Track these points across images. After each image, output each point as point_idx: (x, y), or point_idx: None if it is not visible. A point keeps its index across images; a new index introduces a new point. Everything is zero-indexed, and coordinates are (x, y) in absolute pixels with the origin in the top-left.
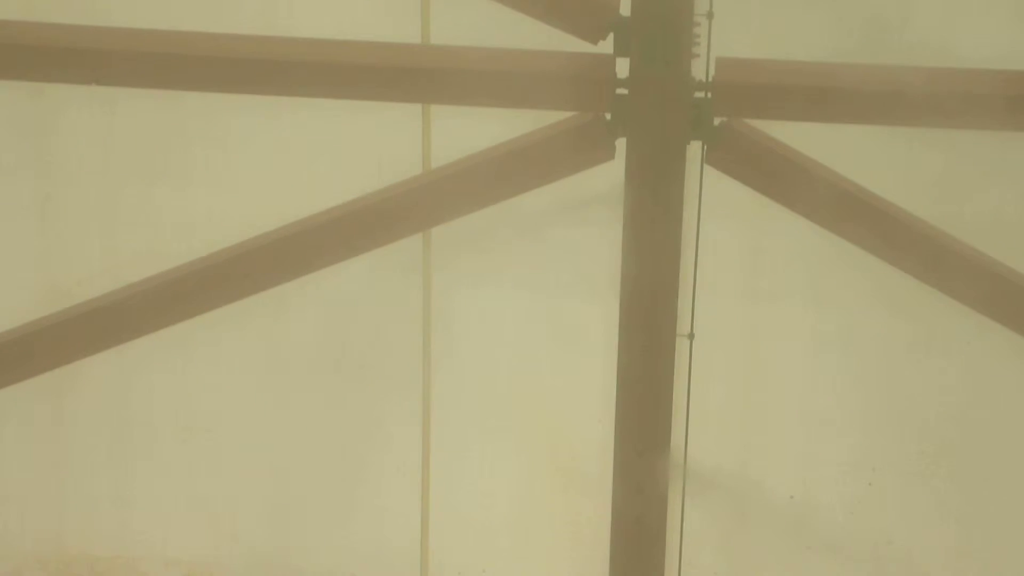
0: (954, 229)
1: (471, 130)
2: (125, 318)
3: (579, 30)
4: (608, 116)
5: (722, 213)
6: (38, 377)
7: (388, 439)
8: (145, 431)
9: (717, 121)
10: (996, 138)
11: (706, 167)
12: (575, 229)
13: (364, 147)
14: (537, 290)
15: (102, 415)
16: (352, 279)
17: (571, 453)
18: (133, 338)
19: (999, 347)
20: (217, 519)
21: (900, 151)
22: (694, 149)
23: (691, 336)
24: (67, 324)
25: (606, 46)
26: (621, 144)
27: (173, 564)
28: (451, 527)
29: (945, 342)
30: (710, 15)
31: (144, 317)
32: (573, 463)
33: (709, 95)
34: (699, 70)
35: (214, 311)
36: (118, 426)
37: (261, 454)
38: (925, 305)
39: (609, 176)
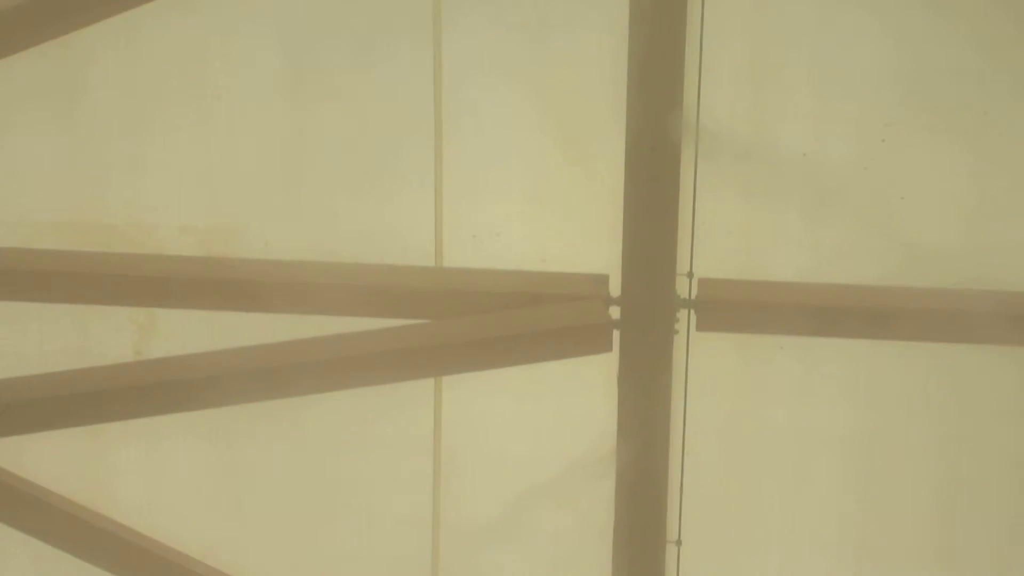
0: None
1: None
2: None
3: None
4: None
5: None
6: (49, 43)
7: (401, 104)
8: (159, 99)
9: None
10: None
11: None
12: None
13: None
14: None
15: (115, 82)
16: None
17: (583, 117)
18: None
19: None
20: (231, 188)
21: None
22: None
23: None
24: None
25: None
26: None
27: (188, 231)
28: (465, 192)
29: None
30: None
31: None
32: (585, 127)
33: None
34: None
35: None
36: (131, 94)
37: (276, 124)
38: None
39: None
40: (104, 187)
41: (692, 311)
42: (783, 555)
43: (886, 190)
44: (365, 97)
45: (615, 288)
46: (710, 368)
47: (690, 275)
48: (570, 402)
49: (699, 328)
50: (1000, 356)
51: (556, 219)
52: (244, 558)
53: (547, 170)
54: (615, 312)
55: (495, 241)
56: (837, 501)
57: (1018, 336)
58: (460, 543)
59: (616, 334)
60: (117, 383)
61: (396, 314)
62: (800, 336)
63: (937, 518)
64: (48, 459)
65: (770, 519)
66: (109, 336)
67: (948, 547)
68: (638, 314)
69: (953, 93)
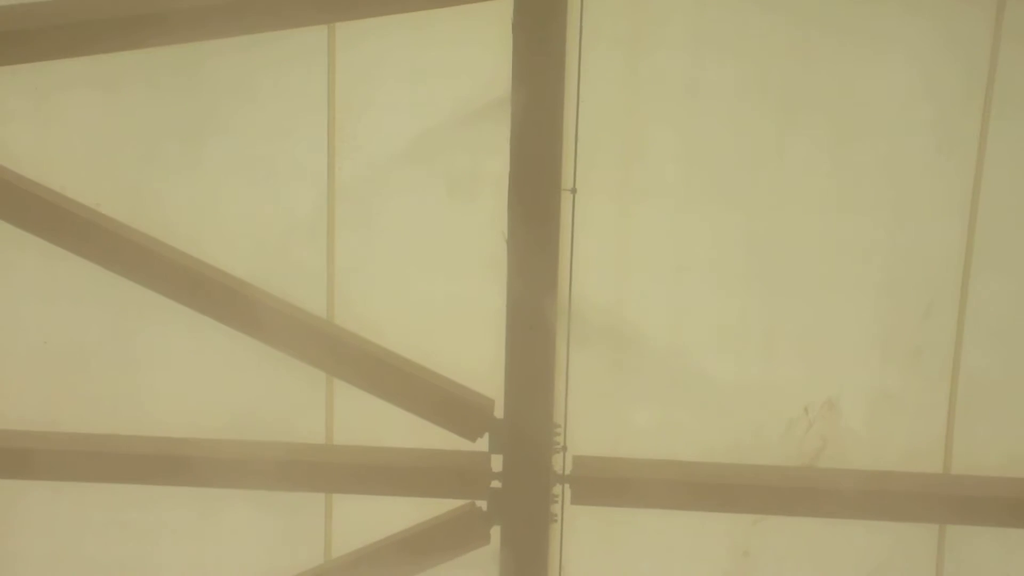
0: None
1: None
2: None
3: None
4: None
5: None
6: None
7: None
8: None
9: None
10: None
11: None
12: None
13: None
14: None
15: None
16: None
17: None
18: None
19: None
20: None
21: None
22: None
23: None
24: None
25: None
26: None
27: None
28: None
29: None
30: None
31: None
32: None
33: None
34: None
35: None
36: None
37: None
38: None
39: None
40: None
41: None
42: (675, 203)
43: None
44: None
45: None
46: (605, 16)
47: None
48: (464, 51)
49: None
50: None
51: None
52: (138, 209)
53: None
54: None
55: None
56: (729, 150)
57: None
58: (355, 192)
59: None
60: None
61: None
62: None
63: (833, 156)
64: None
65: (664, 167)
66: None
67: (847, 186)
68: None
69: None
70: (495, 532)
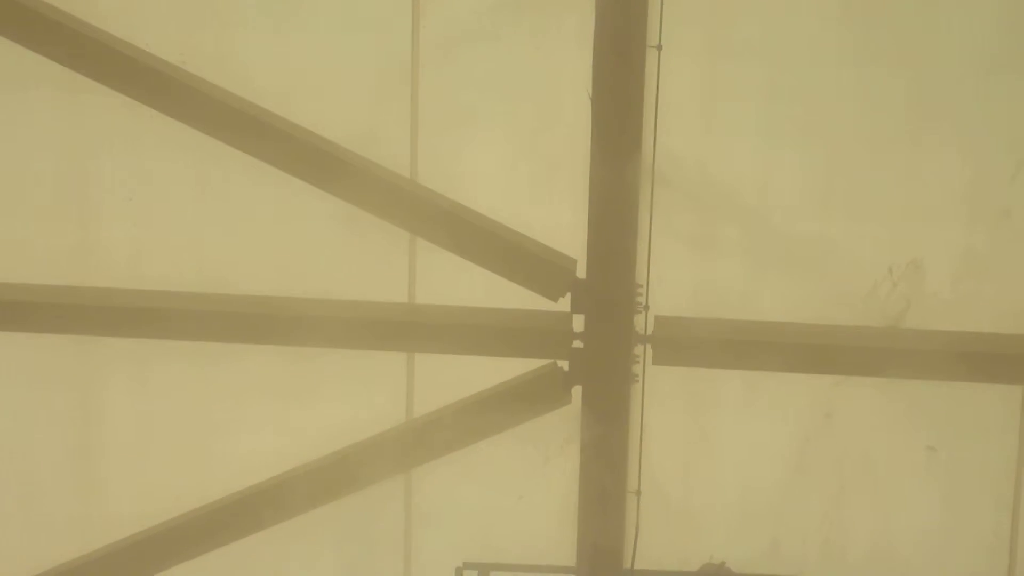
0: None
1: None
2: None
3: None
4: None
5: None
6: None
7: None
8: None
9: None
10: None
11: None
12: None
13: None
14: None
15: None
16: None
17: None
18: None
19: None
20: None
21: None
22: None
23: None
24: None
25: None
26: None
27: None
28: None
29: None
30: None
31: None
32: None
33: None
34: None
35: None
36: None
37: None
38: None
39: None
40: None
41: None
42: (762, 60)
43: None
44: None
45: None
46: None
47: None
48: None
49: None
50: None
51: None
52: (222, 66)
53: None
54: None
55: None
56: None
57: None
58: (438, 50)
59: None
60: None
61: None
62: None
63: (923, 15)
64: None
65: (751, 24)
66: None
67: (936, 44)
68: None
69: None
70: (576, 392)
